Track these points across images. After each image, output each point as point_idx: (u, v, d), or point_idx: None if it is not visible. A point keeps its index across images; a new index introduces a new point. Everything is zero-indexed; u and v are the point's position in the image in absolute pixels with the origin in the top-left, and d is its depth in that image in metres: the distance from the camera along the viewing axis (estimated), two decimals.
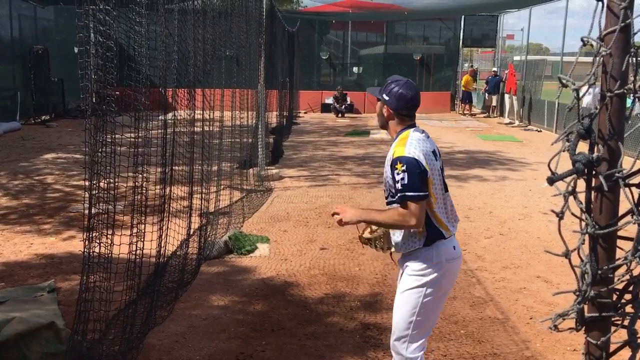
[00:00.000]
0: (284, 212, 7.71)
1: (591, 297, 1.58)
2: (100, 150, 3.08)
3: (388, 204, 3.02)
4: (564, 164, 1.48)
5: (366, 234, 3.16)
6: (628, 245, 1.57)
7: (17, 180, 9.41)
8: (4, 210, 7.52)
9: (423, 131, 3.03)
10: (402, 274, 3.06)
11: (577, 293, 1.60)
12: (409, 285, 2.96)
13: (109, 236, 3.26)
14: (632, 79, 1.50)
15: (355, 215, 2.98)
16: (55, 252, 5.95)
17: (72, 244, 6.05)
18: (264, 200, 8.34)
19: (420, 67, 23.69)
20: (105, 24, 3.08)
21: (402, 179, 2.78)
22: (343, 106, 21.21)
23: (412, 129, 2.98)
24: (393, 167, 2.84)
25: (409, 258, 2.98)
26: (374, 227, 3.13)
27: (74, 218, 7.06)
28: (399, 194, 2.81)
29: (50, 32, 19.43)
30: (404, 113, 2.97)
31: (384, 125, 3.09)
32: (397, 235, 2.99)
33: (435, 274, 2.92)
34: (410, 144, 2.86)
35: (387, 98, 2.98)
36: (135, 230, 3.61)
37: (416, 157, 2.81)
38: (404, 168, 2.79)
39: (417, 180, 2.78)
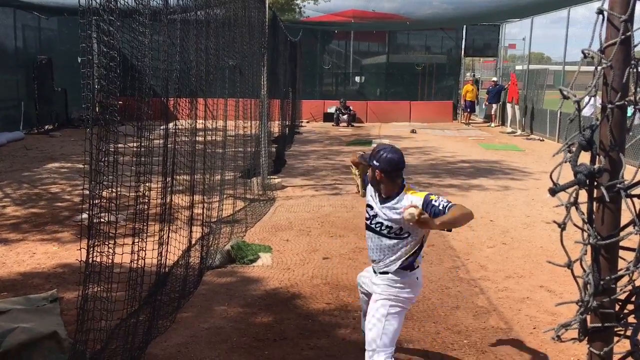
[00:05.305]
0: (286, 222, 7.71)
1: (594, 308, 1.58)
2: (102, 159, 3.09)
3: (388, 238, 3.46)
4: (566, 175, 1.48)
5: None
6: (630, 256, 1.57)
7: (21, 189, 9.43)
8: (7, 220, 7.54)
9: None
10: (376, 294, 3.47)
11: (580, 303, 1.60)
12: (388, 309, 3.40)
13: (110, 245, 3.27)
14: (632, 90, 1.51)
15: (433, 223, 3.28)
16: (58, 262, 5.95)
17: (75, 253, 6.02)
18: (267, 209, 8.34)
19: (422, 77, 23.76)
20: (108, 34, 3.10)
21: (442, 200, 3.29)
22: (345, 116, 21.27)
23: (411, 184, 3.50)
24: (428, 201, 3.28)
25: (390, 280, 3.43)
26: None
27: (77, 228, 7.06)
28: (448, 206, 3.26)
29: (54, 42, 19.49)
30: (394, 174, 3.39)
31: (376, 187, 3.49)
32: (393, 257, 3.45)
33: (411, 294, 3.48)
34: (420, 192, 3.41)
35: (377, 164, 3.39)
36: (137, 239, 3.61)
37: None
38: (435, 197, 3.32)
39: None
